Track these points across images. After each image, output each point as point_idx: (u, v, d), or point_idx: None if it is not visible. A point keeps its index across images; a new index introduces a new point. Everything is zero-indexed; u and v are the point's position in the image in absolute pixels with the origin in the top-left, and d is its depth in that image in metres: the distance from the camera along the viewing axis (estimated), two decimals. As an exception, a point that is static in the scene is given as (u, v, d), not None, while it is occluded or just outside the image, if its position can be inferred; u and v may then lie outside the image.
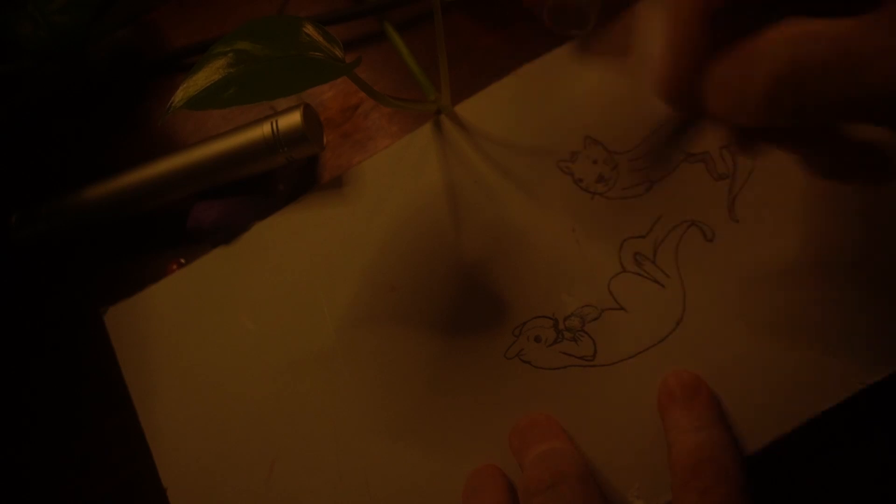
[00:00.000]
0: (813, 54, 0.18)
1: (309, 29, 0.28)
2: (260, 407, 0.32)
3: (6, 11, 0.36)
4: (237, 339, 0.33)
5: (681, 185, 0.31)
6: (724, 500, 0.23)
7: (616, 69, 0.33)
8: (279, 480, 0.30)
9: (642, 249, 0.30)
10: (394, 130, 0.37)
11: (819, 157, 0.24)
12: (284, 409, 0.31)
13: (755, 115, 0.20)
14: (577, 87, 0.33)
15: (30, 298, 0.39)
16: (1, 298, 0.39)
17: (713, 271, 0.29)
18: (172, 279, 0.35)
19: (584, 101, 0.33)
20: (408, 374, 0.31)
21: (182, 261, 0.36)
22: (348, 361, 0.32)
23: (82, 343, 0.36)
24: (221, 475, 0.31)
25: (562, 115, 0.33)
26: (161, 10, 0.44)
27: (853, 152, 0.23)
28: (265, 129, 0.34)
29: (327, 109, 0.38)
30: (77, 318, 0.37)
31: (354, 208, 0.34)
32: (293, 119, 0.34)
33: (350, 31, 0.40)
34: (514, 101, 0.34)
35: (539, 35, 0.36)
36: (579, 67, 0.34)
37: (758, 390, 0.27)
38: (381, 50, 0.39)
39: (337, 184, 0.35)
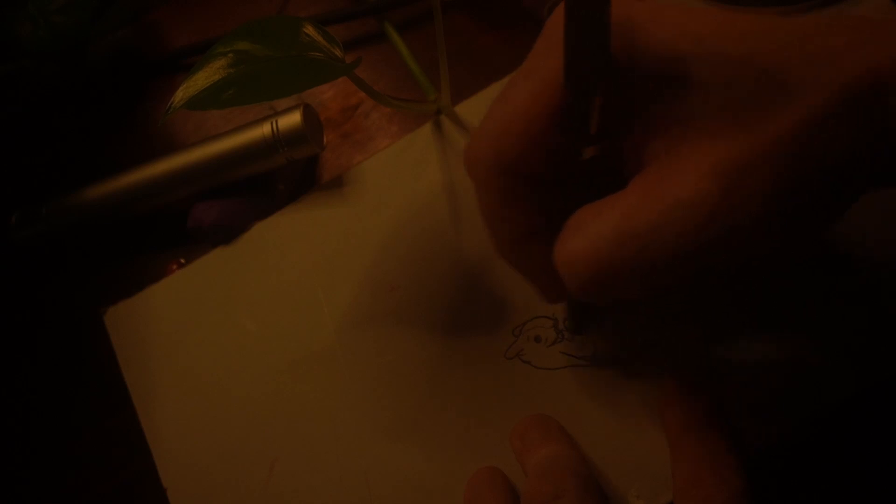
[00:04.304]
0: (604, 260, 0.20)
1: (309, 29, 0.28)
2: (260, 407, 0.32)
3: (6, 11, 0.37)
4: (237, 339, 0.33)
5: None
6: None
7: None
8: (279, 480, 0.30)
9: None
10: (394, 130, 0.37)
11: None
12: (284, 409, 0.31)
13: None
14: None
15: (30, 298, 0.39)
16: (1, 298, 0.39)
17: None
18: (172, 279, 0.35)
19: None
20: (408, 375, 0.31)
21: (182, 261, 0.36)
22: (348, 361, 0.31)
23: (82, 343, 0.36)
24: (221, 475, 0.31)
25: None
26: (161, 10, 0.44)
27: None
28: (265, 129, 0.34)
29: (327, 109, 0.38)
30: (77, 318, 0.37)
31: (354, 208, 0.34)
32: (293, 119, 0.34)
33: (350, 31, 0.40)
34: (514, 101, 0.34)
35: (539, 35, 0.36)
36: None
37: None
38: (381, 50, 0.39)
39: (337, 184, 0.35)
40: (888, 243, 0.28)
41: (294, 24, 0.28)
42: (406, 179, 0.34)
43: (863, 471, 0.28)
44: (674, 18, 0.20)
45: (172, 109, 0.27)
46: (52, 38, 0.36)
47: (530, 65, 0.23)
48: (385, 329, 0.32)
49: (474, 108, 0.35)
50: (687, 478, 0.24)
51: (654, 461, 0.27)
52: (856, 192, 0.21)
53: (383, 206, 0.34)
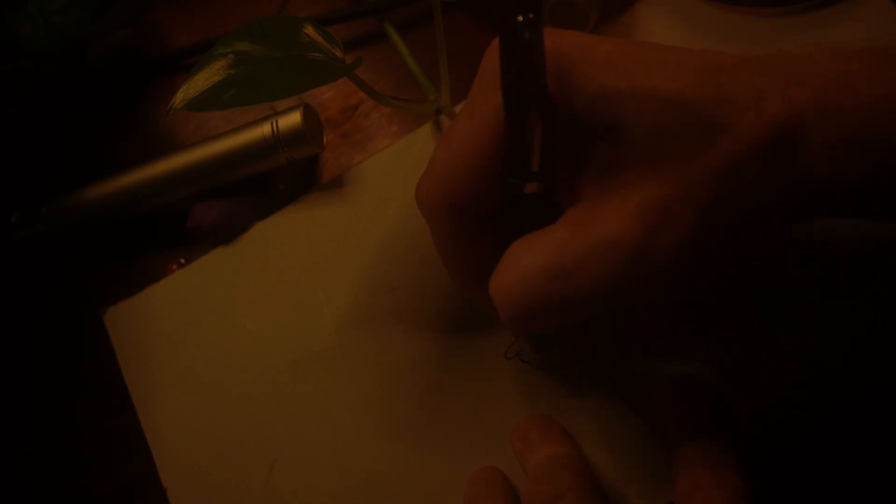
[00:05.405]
0: (535, 292, 0.21)
1: (309, 29, 0.28)
2: (260, 407, 0.32)
3: (6, 11, 0.36)
4: (237, 339, 0.33)
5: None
6: None
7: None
8: (279, 480, 0.30)
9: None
10: (394, 130, 0.37)
11: None
12: (284, 409, 0.31)
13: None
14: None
15: (30, 298, 0.39)
16: (1, 298, 0.39)
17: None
18: (172, 279, 0.35)
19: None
20: (408, 375, 0.31)
21: (182, 261, 0.36)
22: (348, 361, 0.32)
23: (82, 343, 0.36)
24: (221, 475, 0.31)
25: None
26: (161, 10, 0.44)
27: None
28: (265, 129, 0.34)
29: (327, 109, 0.38)
30: (77, 318, 0.37)
31: (354, 208, 0.34)
32: (293, 119, 0.34)
33: (350, 31, 0.40)
34: (514, 102, 0.34)
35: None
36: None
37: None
38: (381, 50, 0.39)
39: (337, 184, 0.35)
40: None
41: (294, 25, 0.28)
42: (406, 179, 0.34)
43: (863, 471, 0.28)
44: (606, 55, 0.21)
45: (173, 111, 0.27)
46: (52, 38, 0.36)
47: (472, 104, 0.23)
48: (385, 329, 0.32)
49: (474, 109, 0.35)
50: (687, 478, 0.24)
51: (654, 461, 0.27)
52: (776, 230, 0.22)
53: (383, 206, 0.34)
